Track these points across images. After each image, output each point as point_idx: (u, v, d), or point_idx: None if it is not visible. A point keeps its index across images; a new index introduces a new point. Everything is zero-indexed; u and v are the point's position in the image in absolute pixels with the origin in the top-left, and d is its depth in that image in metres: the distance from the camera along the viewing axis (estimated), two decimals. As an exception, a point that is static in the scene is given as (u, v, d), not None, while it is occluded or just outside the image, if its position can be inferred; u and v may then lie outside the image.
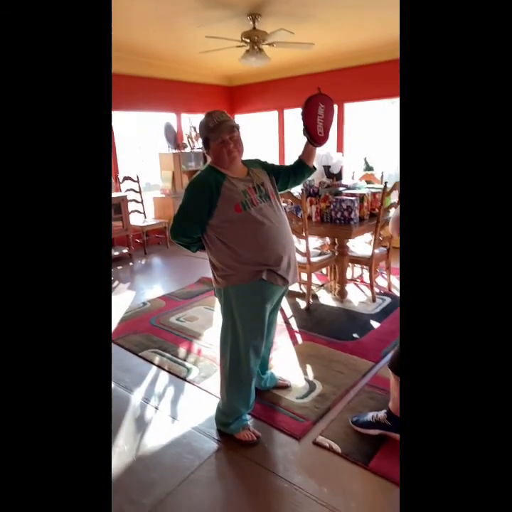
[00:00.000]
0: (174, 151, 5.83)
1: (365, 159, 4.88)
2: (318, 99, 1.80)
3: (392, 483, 1.63)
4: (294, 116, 6.10)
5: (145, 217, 5.54)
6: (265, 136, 6.69)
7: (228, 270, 1.72)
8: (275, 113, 6.33)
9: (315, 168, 1.99)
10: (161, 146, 5.91)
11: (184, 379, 2.42)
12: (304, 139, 1.87)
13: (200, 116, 6.77)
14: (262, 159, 1.96)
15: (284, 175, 1.93)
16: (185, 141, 6.06)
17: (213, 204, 1.66)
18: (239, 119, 6.91)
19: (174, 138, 5.87)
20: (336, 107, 5.61)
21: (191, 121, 6.08)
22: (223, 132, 1.67)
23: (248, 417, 2.01)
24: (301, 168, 1.93)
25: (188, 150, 5.99)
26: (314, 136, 1.80)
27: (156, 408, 2.17)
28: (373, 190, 3.52)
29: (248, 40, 3.87)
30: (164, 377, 2.46)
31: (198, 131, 1.81)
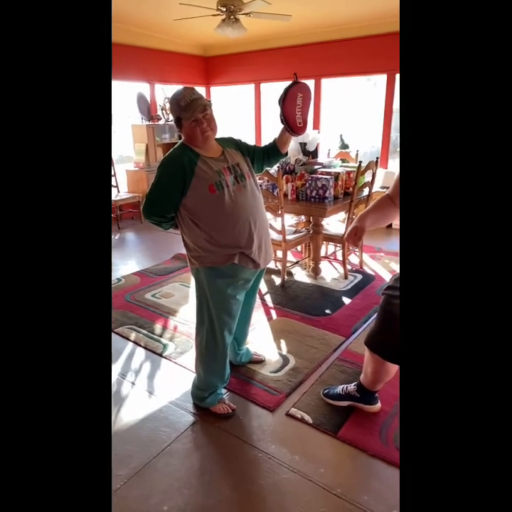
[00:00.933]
0: (148, 122, 5.67)
1: (340, 136, 4.89)
2: (296, 88, 1.77)
3: (358, 449, 1.74)
4: (271, 90, 6.02)
5: (118, 191, 5.42)
6: (241, 110, 6.58)
7: (201, 251, 1.72)
8: (251, 86, 6.21)
9: (287, 154, 1.99)
10: (134, 117, 5.73)
11: (160, 355, 2.46)
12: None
13: (174, 87, 6.53)
14: (237, 137, 1.92)
15: (259, 157, 1.91)
16: (159, 112, 5.89)
17: (187, 184, 1.64)
18: (214, 91, 6.75)
19: (147, 109, 5.69)
20: (313, 81, 5.57)
21: (165, 92, 5.90)
22: (196, 111, 1.61)
23: (224, 390, 2.07)
24: (275, 152, 1.92)
25: (162, 122, 5.83)
26: (293, 127, 1.79)
27: (133, 383, 2.21)
28: (348, 169, 3.56)
29: (224, 9, 3.75)
30: (141, 353, 2.49)
31: (169, 107, 1.73)
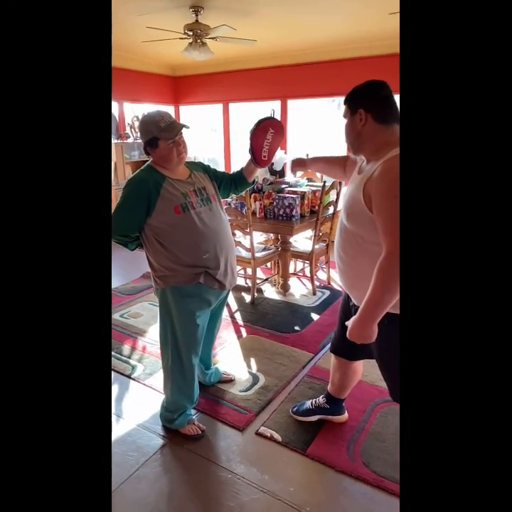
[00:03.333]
0: (116, 140, 5.65)
1: (306, 155, 5.02)
2: (269, 123, 1.82)
3: (326, 466, 1.77)
4: (239, 110, 6.13)
5: (85, 210, 5.34)
6: (209, 129, 6.66)
7: (166, 271, 1.73)
8: (220, 106, 6.31)
9: (254, 182, 2.03)
10: (102, 135, 5.70)
11: (129, 376, 2.43)
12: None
13: (143, 107, 6.50)
14: (206, 162, 1.97)
15: (226, 183, 1.96)
16: (127, 130, 5.88)
17: (151, 204, 1.65)
18: (183, 110, 6.82)
19: (116, 127, 5.68)
20: (279, 102, 5.71)
21: (134, 111, 5.91)
22: (179, 133, 1.67)
23: (193, 411, 2.06)
24: (241, 180, 1.97)
25: (130, 140, 5.83)
26: (257, 159, 1.84)
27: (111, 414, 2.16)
28: (313, 188, 3.66)
29: (191, 33, 3.83)
30: (108, 376, 2.45)
31: (141, 128, 1.75)
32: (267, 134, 1.81)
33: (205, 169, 1.91)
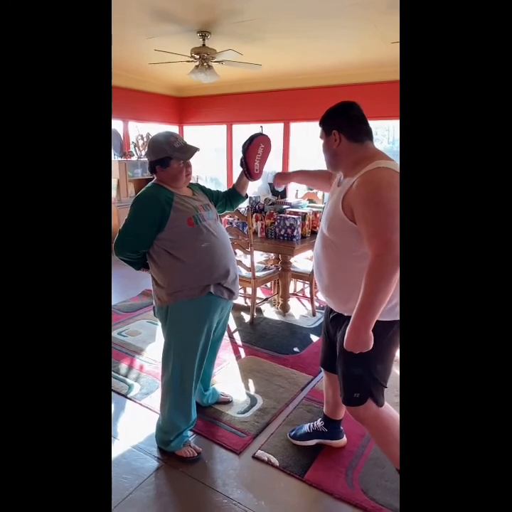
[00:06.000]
0: (120, 158, 5.72)
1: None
2: (260, 139, 1.99)
3: (325, 492, 1.73)
4: (241, 132, 6.23)
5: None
6: (212, 150, 6.75)
7: (176, 287, 1.74)
8: (223, 127, 6.42)
9: (247, 196, 2.17)
10: (106, 153, 5.78)
11: (125, 396, 2.39)
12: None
13: (148, 126, 6.63)
14: (208, 182, 2.07)
15: (221, 201, 2.06)
16: (131, 148, 5.97)
17: (164, 217, 1.69)
18: (187, 130, 6.93)
19: (120, 145, 5.76)
20: (282, 124, 5.82)
21: (139, 130, 6.01)
22: (190, 154, 1.75)
23: (189, 433, 2.03)
24: (235, 196, 2.09)
25: (134, 158, 5.91)
26: (251, 172, 1.99)
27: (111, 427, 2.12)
28: (315, 209, 3.69)
29: (197, 56, 3.93)
30: (104, 394, 2.41)
31: (153, 147, 1.79)
32: (259, 149, 1.98)
33: (202, 189, 2.00)
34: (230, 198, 2.09)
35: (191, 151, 1.75)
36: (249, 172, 1.99)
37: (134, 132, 6.03)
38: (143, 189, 1.77)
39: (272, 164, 5.01)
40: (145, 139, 5.87)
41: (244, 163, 1.97)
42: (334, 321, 1.64)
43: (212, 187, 2.17)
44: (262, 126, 2.04)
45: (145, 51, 4.33)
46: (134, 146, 5.95)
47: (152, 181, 1.81)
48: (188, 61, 4.03)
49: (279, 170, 5.19)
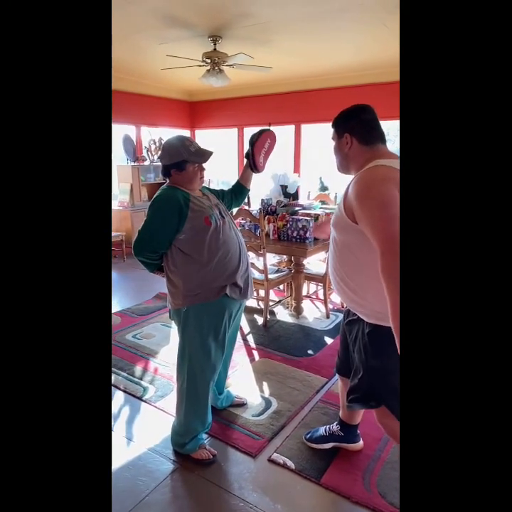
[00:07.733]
0: (133, 163, 5.78)
1: (320, 179, 5.07)
2: (267, 134, 2.08)
3: (341, 496, 1.71)
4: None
5: (101, 230, 5.42)
6: (224, 152, 6.78)
7: (193, 290, 1.75)
8: (235, 130, 6.44)
9: (250, 190, 2.22)
10: (119, 158, 5.84)
11: (140, 398, 2.41)
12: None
13: (160, 130, 6.68)
14: (219, 184, 2.10)
15: (228, 197, 2.11)
16: (144, 153, 6.02)
17: (182, 217, 1.70)
18: (199, 134, 6.97)
19: (133, 150, 5.82)
20: (293, 127, 5.82)
21: (151, 134, 6.07)
22: (206, 158, 1.79)
23: (205, 436, 2.03)
24: (240, 189, 2.15)
25: (147, 162, 5.96)
26: (256, 164, 2.07)
27: (111, 429, 2.14)
28: (327, 211, 3.67)
29: (209, 61, 3.96)
30: (120, 396, 2.43)
31: (168, 150, 1.81)
32: (265, 144, 2.08)
33: (210, 190, 2.03)
34: (236, 193, 2.14)
35: (207, 154, 1.78)
36: (255, 164, 2.06)
37: (146, 137, 6.09)
38: (159, 191, 1.79)
39: (283, 165, 5.00)
40: (157, 144, 5.92)
41: (251, 155, 2.05)
42: (349, 326, 1.62)
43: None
44: (270, 123, 2.10)
45: (157, 57, 4.38)
46: (147, 151, 6.00)
47: (166, 184, 1.83)
48: (200, 66, 4.06)
49: (291, 171, 5.18)
